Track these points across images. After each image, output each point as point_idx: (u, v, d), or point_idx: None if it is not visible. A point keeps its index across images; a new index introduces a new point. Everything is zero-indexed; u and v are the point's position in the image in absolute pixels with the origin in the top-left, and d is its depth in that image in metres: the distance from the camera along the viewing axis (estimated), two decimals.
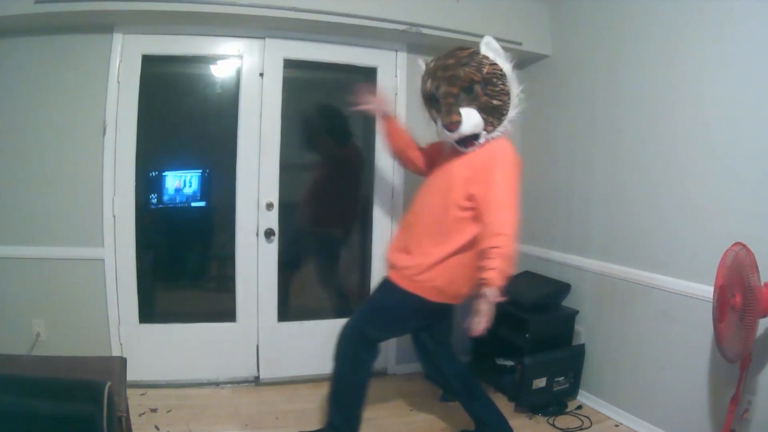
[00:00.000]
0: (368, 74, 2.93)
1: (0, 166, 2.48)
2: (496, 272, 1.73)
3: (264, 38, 2.68)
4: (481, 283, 1.76)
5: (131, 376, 1.92)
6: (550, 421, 2.50)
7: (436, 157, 2.19)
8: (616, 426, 2.48)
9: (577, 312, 2.78)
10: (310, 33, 2.70)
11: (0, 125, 2.46)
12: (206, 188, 2.85)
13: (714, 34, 2.10)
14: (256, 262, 2.76)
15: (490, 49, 1.92)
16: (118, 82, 2.53)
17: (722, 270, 1.77)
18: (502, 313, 2.84)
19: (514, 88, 1.95)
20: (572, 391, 2.73)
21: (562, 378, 2.66)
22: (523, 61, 3.16)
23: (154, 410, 2.42)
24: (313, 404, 2.59)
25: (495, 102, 1.90)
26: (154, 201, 2.76)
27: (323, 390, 2.73)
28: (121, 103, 2.54)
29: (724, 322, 1.75)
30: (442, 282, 1.99)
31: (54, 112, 2.50)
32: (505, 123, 1.95)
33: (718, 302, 1.76)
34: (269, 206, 2.73)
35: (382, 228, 2.97)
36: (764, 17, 1.92)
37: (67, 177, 2.53)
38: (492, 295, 1.73)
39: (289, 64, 2.74)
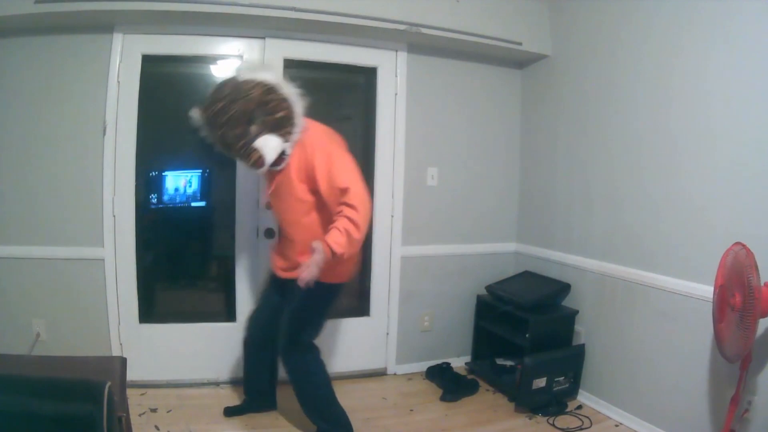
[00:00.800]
0: (368, 74, 2.93)
1: (0, 166, 2.48)
2: (336, 232, 1.82)
3: (264, 38, 2.68)
4: (321, 239, 1.84)
5: (131, 376, 1.92)
6: (550, 421, 2.50)
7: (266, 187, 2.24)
8: (616, 426, 2.48)
9: (577, 312, 2.78)
10: (310, 33, 2.70)
11: (0, 125, 2.46)
12: (206, 188, 2.85)
13: (714, 34, 2.10)
14: (256, 262, 2.76)
15: (247, 68, 1.97)
16: (118, 82, 2.53)
17: (722, 270, 1.77)
18: (502, 313, 2.87)
19: (288, 89, 1.96)
20: (572, 391, 2.73)
21: (562, 378, 2.66)
22: (523, 61, 3.18)
23: (154, 410, 2.42)
24: None
25: (279, 115, 1.92)
26: (154, 201, 2.76)
27: None
28: (121, 103, 2.54)
29: (724, 322, 1.75)
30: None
31: (54, 112, 2.50)
32: (298, 122, 1.97)
33: (718, 302, 1.76)
34: (269, 206, 2.73)
35: (382, 227, 2.97)
36: (766, 16, 1.92)
37: (67, 177, 2.53)
38: (321, 251, 1.80)
39: (289, 64, 2.74)
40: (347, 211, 1.84)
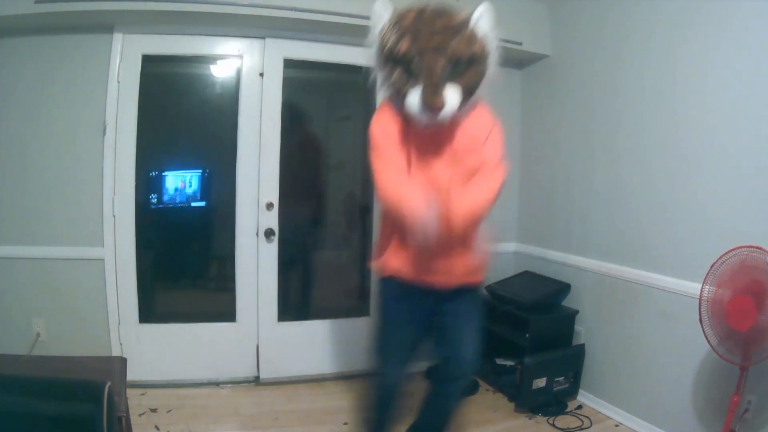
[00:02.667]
0: (368, 74, 2.92)
1: (0, 166, 2.48)
2: None
3: (264, 38, 2.68)
4: None
5: (131, 376, 1.92)
6: (550, 421, 2.50)
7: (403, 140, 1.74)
8: (616, 426, 2.48)
9: (577, 312, 2.78)
10: (310, 33, 2.70)
11: (0, 125, 2.46)
12: (206, 188, 2.85)
13: (718, 33, 2.10)
14: (256, 262, 2.76)
15: (483, 21, 1.63)
16: (118, 82, 2.53)
17: (732, 278, 1.76)
18: (502, 312, 2.87)
19: (496, 66, 1.70)
20: (572, 391, 2.73)
21: (562, 378, 2.66)
22: (523, 61, 3.17)
23: (154, 410, 2.42)
24: (313, 404, 2.59)
25: (473, 82, 1.65)
26: (154, 201, 2.76)
27: (323, 390, 2.74)
28: (121, 103, 2.54)
29: (750, 329, 1.72)
30: None
31: (54, 112, 2.50)
32: (478, 96, 1.72)
33: (737, 313, 1.74)
34: (269, 206, 2.73)
35: None
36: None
37: (67, 177, 2.53)
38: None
39: (289, 64, 2.74)
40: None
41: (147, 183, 2.71)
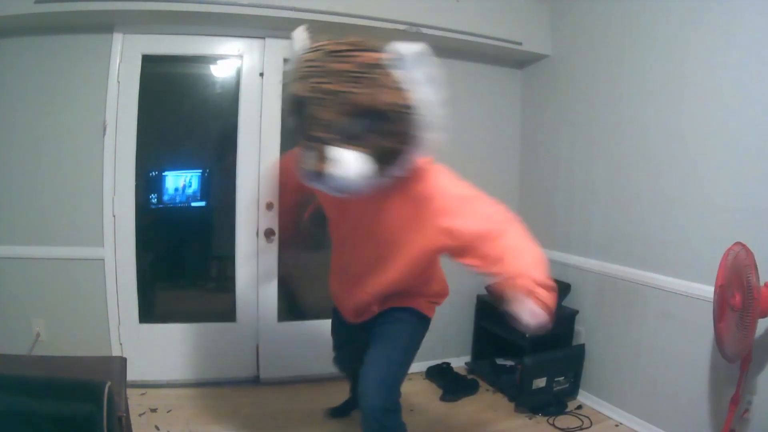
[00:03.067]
0: None
1: (0, 166, 2.48)
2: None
3: (264, 38, 2.68)
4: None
5: (131, 376, 1.91)
6: (550, 421, 2.50)
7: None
8: (616, 426, 2.48)
9: (577, 312, 2.78)
10: (311, 33, 2.69)
11: (0, 125, 2.46)
12: (206, 188, 2.85)
13: (720, 32, 2.09)
14: (256, 262, 2.76)
15: (412, 65, 1.23)
16: (118, 82, 2.53)
17: (723, 270, 1.77)
18: (502, 312, 2.86)
19: (433, 123, 1.32)
20: (572, 391, 2.73)
21: (562, 378, 2.66)
22: (523, 61, 3.17)
23: (154, 410, 2.42)
24: (313, 404, 2.59)
25: (389, 146, 1.27)
26: (154, 201, 2.76)
27: (323, 390, 2.74)
28: (121, 103, 2.54)
29: (724, 322, 1.75)
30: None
31: (54, 112, 2.50)
32: (402, 165, 1.35)
33: (718, 302, 1.76)
34: (269, 206, 2.73)
35: None
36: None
37: (67, 177, 2.53)
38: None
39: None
40: None
41: (147, 183, 2.71)
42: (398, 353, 1.69)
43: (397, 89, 1.22)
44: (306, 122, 1.23)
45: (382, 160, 1.27)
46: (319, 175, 1.24)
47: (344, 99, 1.19)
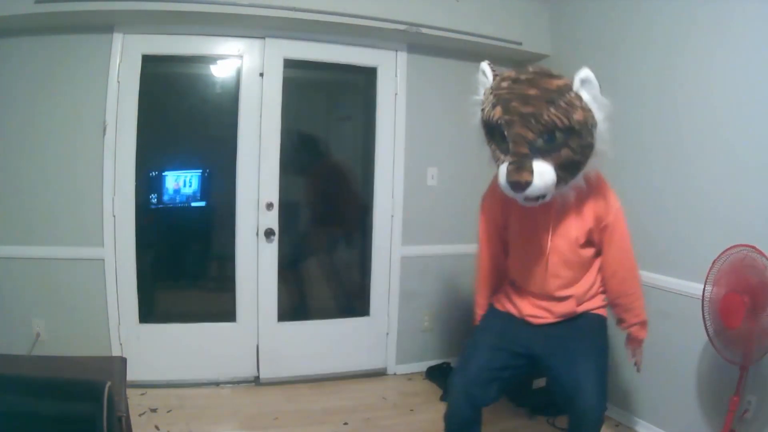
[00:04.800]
0: (368, 74, 2.93)
1: (0, 166, 2.48)
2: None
3: (264, 38, 2.68)
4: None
5: (131, 376, 1.92)
6: (550, 421, 2.50)
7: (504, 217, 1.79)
8: (616, 426, 2.48)
9: None
10: (310, 33, 2.70)
11: (0, 125, 2.46)
12: (206, 188, 2.85)
13: (718, 31, 2.09)
14: (256, 262, 2.76)
15: (587, 87, 1.48)
16: (118, 82, 2.53)
17: (725, 277, 1.76)
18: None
19: (605, 137, 1.53)
20: None
21: None
22: (523, 61, 3.17)
23: (154, 410, 2.42)
24: (313, 404, 2.59)
25: (576, 158, 1.49)
26: (154, 201, 2.76)
27: (323, 390, 2.74)
28: (121, 103, 2.54)
29: (754, 323, 1.72)
30: None
31: (54, 112, 2.50)
32: (581, 176, 1.56)
33: (727, 310, 1.75)
34: (269, 206, 2.73)
35: (382, 227, 2.97)
36: (765, 15, 1.92)
37: (67, 177, 2.53)
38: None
39: (289, 64, 2.74)
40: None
41: (147, 183, 2.71)
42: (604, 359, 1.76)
43: (584, 109, 1.46)
44: (511, 141, 1.47)
45: (570, 170, 1.51)
46: (523, 185, 1.44)
47: (542, 119, 1.41)
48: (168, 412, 2.43)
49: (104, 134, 2.54)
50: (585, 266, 1.75)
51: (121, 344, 2.64)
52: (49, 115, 2.49)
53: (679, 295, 2.21)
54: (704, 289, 1.84)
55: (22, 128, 2.48)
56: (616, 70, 2.57)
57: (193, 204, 2.84)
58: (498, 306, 1.86)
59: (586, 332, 1.72)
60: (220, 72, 2.81)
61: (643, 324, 1.77)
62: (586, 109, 1.46)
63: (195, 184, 2.82)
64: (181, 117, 2.82)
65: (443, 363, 3.04)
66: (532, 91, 1.44)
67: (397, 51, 2.91)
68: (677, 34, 2.25)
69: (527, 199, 1.51)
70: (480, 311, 1.92)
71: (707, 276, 1.82)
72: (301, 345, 2.86)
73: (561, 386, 1.66)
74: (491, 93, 1.53)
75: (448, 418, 1.77)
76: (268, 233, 2.74)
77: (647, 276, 2.37)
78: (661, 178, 2.33)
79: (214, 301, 2.97)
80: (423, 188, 3.03)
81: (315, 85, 3.11)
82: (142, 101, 2.56)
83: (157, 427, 2.27)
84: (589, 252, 1.74)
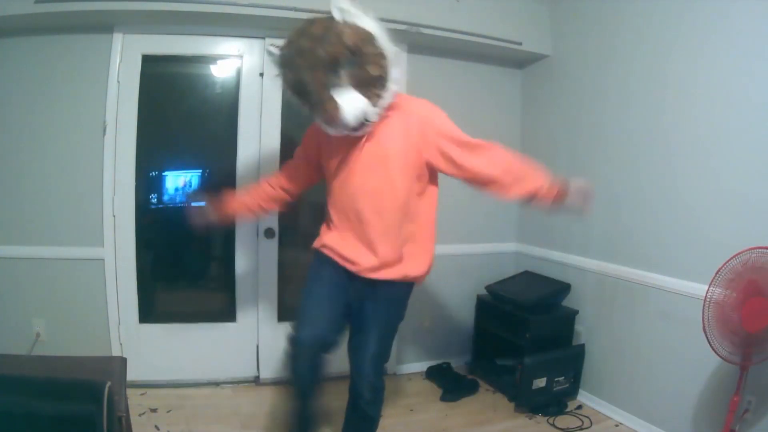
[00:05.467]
0: None
1: (0, 166, 2.47)
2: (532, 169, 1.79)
3: (264, 38, 2.68)
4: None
5: (131, 376, 1.92)
6: (550, 421, 2.50)
7: (316, 155, 1.88)
8: (616, 426, 2.48)
9: (577, 312, 2.78)
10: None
11: (0, 125, 2.46)
12: (206, 188, 2.85)
13: (711, 35, 2.10)
14: (256, 262, 2.76)
15: (344, 12, 1.58)
16: (118, 82, 2.53)
17: (741, 280, 1.75)
18: (502, 312, 2.87)
19: (388, 45, 1.63)
20: (572, 391, 2.73)
21: (562, 378, 2.66)
22: (523, 61, 3.18)
23: (154, 410, 2.42)
24: None
25: (372, 70, 1.59)
26: (154, 201, 2.76)
27: (323, 390, 2.73)
28: (121, 103, 2.54)
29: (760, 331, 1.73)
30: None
31: (54, 112, 2.50)
32: (391, 87, 1.65)
33: (750, 314, 1.74)
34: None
35: None
36: (760, 17, 1.93)
37: (67, 177, 2.53)
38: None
39: None
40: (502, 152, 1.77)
41: (147, 183, 2.71)
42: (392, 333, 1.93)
43: (352, 30, 1.55)
44: (306, 93, 1.58)
45: (371, 87, 1.59)
46: (333, 120, 1.58)
47: (318, 59, 1.52)
48: (168, 412, 2.43)
49: (104, 134, 2.54)
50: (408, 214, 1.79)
51: (121, 344, 2.64)
52: (49, 115, 2.49)
53: (680, 296, 2.21)
54: (708, 290, 1.82)
55: (21, 128, 2.48)
56: (618, 70, 2.57)
57: (193, 204, 2.83)
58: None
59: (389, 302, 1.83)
60: (220, 72, 2.81)
61: (550, 186, 1.78)
62: (355, 28, 1.56)
63: (195, 184, 2.82)
64: (181, 117, 2.82)
65: (443, 363, 3.04)
66: (304, 43, 1.55)
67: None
68: (676, 33, 2.25)
69: (353, 129, 1.62)
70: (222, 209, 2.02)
71: (713, 278, 1.80)
72: None
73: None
74: (278, 63, 1.65)
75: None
76: (268, 233, 2.74)
77: (647, 276, 2.38)
78: (661, 178, 2.33)
79: (214, 301, 2.97)
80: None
81: None
82: (142, 101, 2.56)
83: (157, 427, 2.27)
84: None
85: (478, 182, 1.80)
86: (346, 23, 1.56)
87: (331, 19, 1.56)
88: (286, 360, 1.86)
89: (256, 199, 2.01)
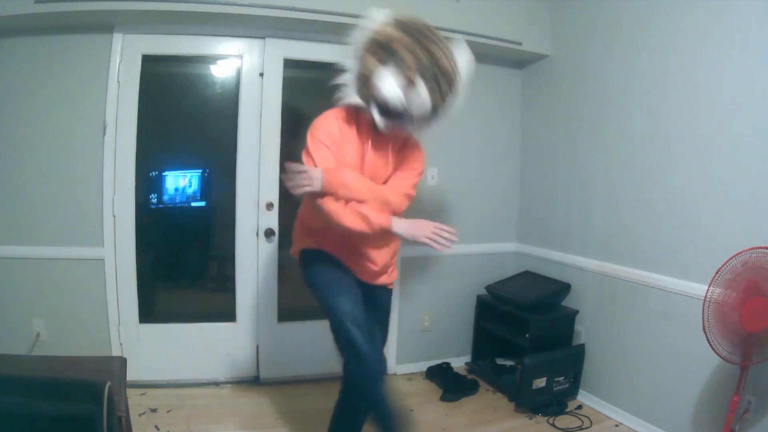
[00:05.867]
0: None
1: (0, 166, 2.48)
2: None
3: (264, 38, 2.68)
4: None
5: (131, 376, 1.92)
6: (550, 421, 2.50)
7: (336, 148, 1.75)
8: (616, 426, 2.48)
9: (577, 312, 2.78)
10: (310, 33, 2.70)
11: (0, 125, 2.46)
12: (206, 188, 2.85)
13: (712, 35, 2.10)
14: (256, 262, 2.76)
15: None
16: (118, 82, 2.53)
17: (741, 280, 1.75)
18: (502, 312, 2.87)
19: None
20: (572, 391, 2.73)
21: (562, 378, 2.66)
22: (523, 61, 3.18)
23: (154, 410, 2.42)
24: (313, 404, 2.59)
25: (441, 106, 1.70)
26: (154, 201, 2.76)
27: (323, 390, 2.74)
28: (121, 103, 2.54)
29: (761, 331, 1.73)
30: None
31: (54, 112, 2.50)
32: (434, 123, 1.79)
33: (751, 314, 1.74)
34: (269, 206, 2.73)
35: None
36: (759, 16, 1.93)
37: (67, 177, 2.53)
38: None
39: (289, 64, 2.74)
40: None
41: (147, 183, 2.71)
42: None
43: (461, 71, 1.67)
44: (435, 70, 1.60)
45: (433, 115, 1.68)
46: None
47: (439, 60, 1.59)
48: (168, 412, 2.43)
49: (104, 134, 2.54)
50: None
51: (121, 344, 2.64)
52: (49, 115, 2.49)
53: (679, 296, 2.21)
54: (708, 290, 1.82)
55: (21, 128, 2.48)
56: (618, 69, 2.57)
57: (193, 204, 2.84)
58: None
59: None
60: (220, 72, 2.81)
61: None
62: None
63: (195, 184, 2.83)
64: (181, 117, 2.82)
65: (443, 363, 3.04)
66: (436, 34, 1.63)
67: None
68: (674, 34, 2.25)
69: (403, 113, 1.64)
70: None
71: (714, 277, 1.80)
72: (301, 345, 2.86)
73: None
74: (389, 24, 1.65)
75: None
76: (268, 233, 2.74)
77: (647, 276, 2.38)
78: (662, 178, 2.33)
79: (214, 301, 2.97)
80: (423, 188, 3.03)
81: (315, 85, 3.10)
82: (142, 101, 2.56)
83: (157, 427, 2.27)
84: None
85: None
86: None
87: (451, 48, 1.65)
88: (350, 361, 1.70)
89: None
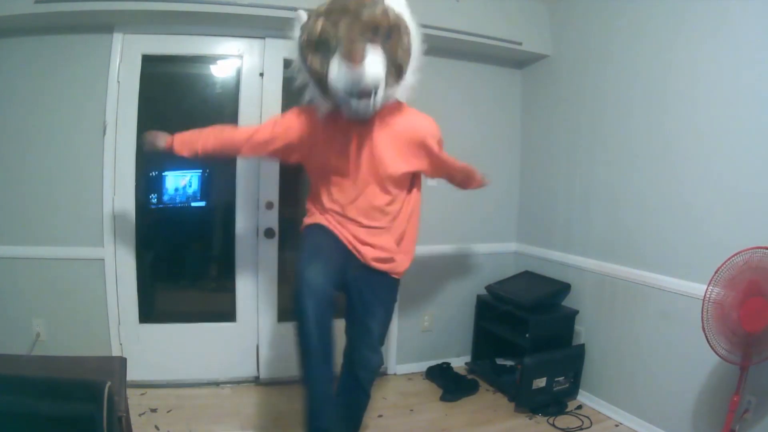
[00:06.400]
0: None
1: (0, 166, 2.48)
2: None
3: (264, 38, 2.68)
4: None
5: (131, 376, 1.92)
6: (550, 421, 2.50)
7: (299, 140, 1.87)
8: (616, 426, 2.48)
9: (577, 312, 2.78)
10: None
11: (0, 125, 2.46)
12: (206, 188, 2.85)
13: (710, 35, 2.10)
14: (256, 262, 2.76)
15: (395, 2, 1.67)
16: (118, 82, 2.53)
17: (740, 280, 1.75)
18: (502, 313, 2.87)
19: (417, 46, 1.72)
20: (572, 391, 2.73)
21: (562, 378, 2.66)
22: (523, 61, 3.18)
23: (154, 410, 2.42)
24: None
25: (399, 54, 1.65)
26: (154, 201, 2.76)
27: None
28: (121, 103, 2.54)
29: (760, 331, 1.73)
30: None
31: (54, 112, 2.50)
32: (404, 83, 1.74)
33: (750, 314, 1.74)
34: (269, 206, 2.73)
35: None
36: (760, 16, 1.93)
37: (67, 177, 2.53)
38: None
39: (289, 64, 2.73)
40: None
41: (147, 183, 2.71)
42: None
43: (398, 15, 1.64)
44: (338, 39, 1.57)
45: (395, 70, 1.64)
46: (355, 60, 1.52)
47: (364, 18, 1.56)
48: (168, 412, 2.43)
49: (104, 134, 2.54)
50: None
51: (121, 344, 2.64)
52: (49, 115, 2.49)
53: (680, 296, 2.21)
54: (707, 290, 1.82)
55: (22, 128, 2.48)
56: (618, 69, 2.57)
57: (193, 204, 2.84)
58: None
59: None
60: (220, 72, 2.81)
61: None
62: (400, 17, 1.65)
63: (195, 184, 2.83)
64: (182, 117, 2.82)
65: (443, 363, 3.04)
66: (350, 2, 1.60)
67: None
68: (674, 35, 2.26)
69: (362, 93, 1.59)
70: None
71: (713, 277, 1.80)
72: None
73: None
74: (309, 18, 1.67)
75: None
76: (269, 233, 2.74)
77: (647, 276, 2.38)
78: (662, 178, 2.33)
79: (214, 301, 2.97)
80: (423, 189, 3.02)
81: None
82: (142, 101, 2.56)
83: (157, 427, 2.28)
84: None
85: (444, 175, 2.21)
86: (392, 7, 1.64)
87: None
88: (293, 296, 1.68)
89: (209, 136, 2.04)
